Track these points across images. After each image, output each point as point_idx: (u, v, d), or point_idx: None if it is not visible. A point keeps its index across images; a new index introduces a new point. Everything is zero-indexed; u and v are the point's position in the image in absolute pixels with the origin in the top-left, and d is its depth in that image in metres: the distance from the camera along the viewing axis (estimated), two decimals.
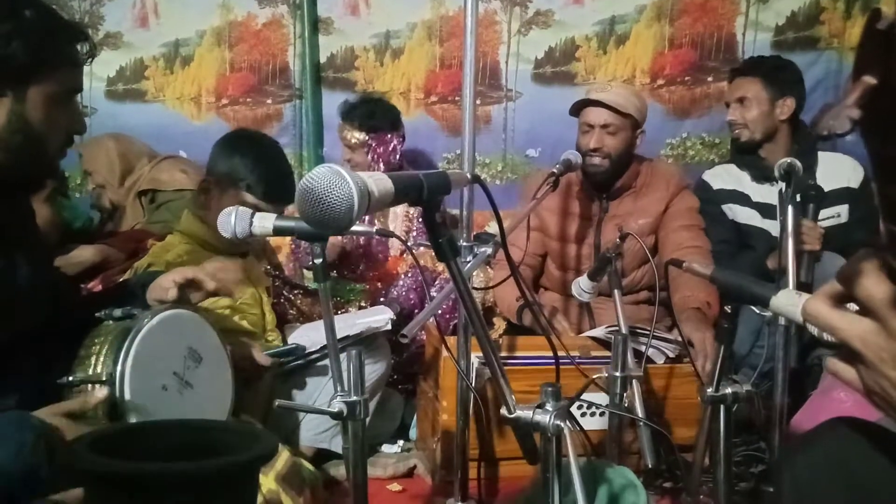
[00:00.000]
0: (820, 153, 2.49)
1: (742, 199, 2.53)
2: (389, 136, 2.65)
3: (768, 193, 2.44)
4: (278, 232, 1.43)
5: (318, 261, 1.42)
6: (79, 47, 1.24)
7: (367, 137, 2.63)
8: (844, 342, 0.71)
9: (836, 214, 2.44)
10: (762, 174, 2.46)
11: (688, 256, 1.98)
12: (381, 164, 2.64)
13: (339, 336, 1.66)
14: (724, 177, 2.57)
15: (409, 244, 2.55)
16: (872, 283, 0.68)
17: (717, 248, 2.40)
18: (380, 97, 2.92)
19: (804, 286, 1.93)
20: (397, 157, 2.68)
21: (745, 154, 2.52)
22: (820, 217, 2.29)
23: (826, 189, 2.40)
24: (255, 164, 1.86)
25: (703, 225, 2.45)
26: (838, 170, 2.46)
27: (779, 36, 3.01)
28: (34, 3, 1.18)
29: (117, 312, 1.28)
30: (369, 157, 2.64)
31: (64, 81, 1.22)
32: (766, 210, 2.46)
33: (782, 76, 2.47)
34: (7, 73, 1.14)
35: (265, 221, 1.43)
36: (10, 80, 1.15)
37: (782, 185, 1.87)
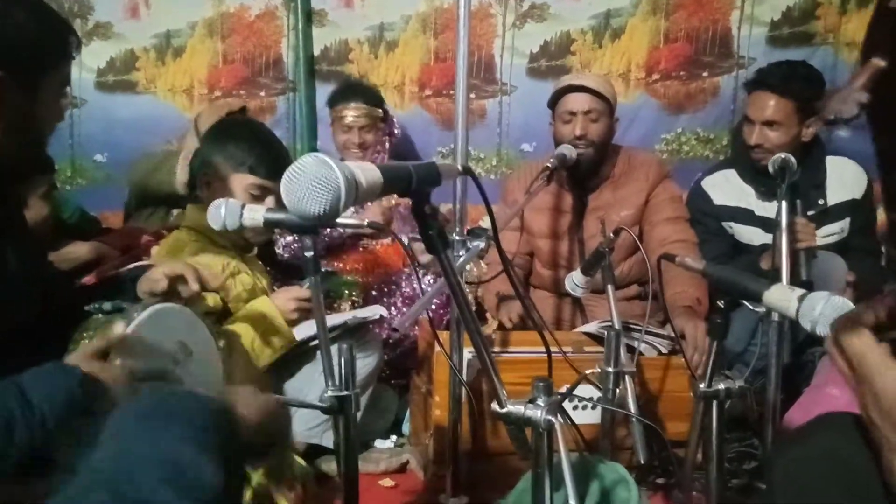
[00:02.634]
0: (827, 158, 2.37)
1: (745, 216, 2.43)
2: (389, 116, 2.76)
3: (772, 208, 2.29)
4: (268, 224, 1.42)
5: (309, 254, 1.41)
6: (71, 40, 1.25)
7: (380, 113, 2.69)
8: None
9: (839, 231, 2.36)
10: (772, 191, 2.25)
11: (675, 251, 1.97)
12: (387, 144, 2.71)
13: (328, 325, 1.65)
14: (725, 188, 2.46)
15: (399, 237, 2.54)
16: (861, 344, 0.71)
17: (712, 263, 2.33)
18: (366, 83, 2.99)
19: (805, 284, 1.91)
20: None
21: (760, 174, 2.32)
22: (824, 234, 2.25)
23: (832, 202, 2.34)
24: (251, 146, 1.84)
25: (687, 216, 2.41)
26: (844, 180, 2.36)
27: (774, 31, 3.01)
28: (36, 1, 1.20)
29: (107, 306, 1.27)
30: (382, 134, 2.69)
31: (65, 74, 1.24)
32: (768, 224, 2.34)
33: (811, 94, 2.27)
34: (23, 61, 1.13)
35: (255, 213, 1.42)
36: (25, 69, 1.14)
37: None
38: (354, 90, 2.73)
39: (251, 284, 1.86)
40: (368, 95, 2.71)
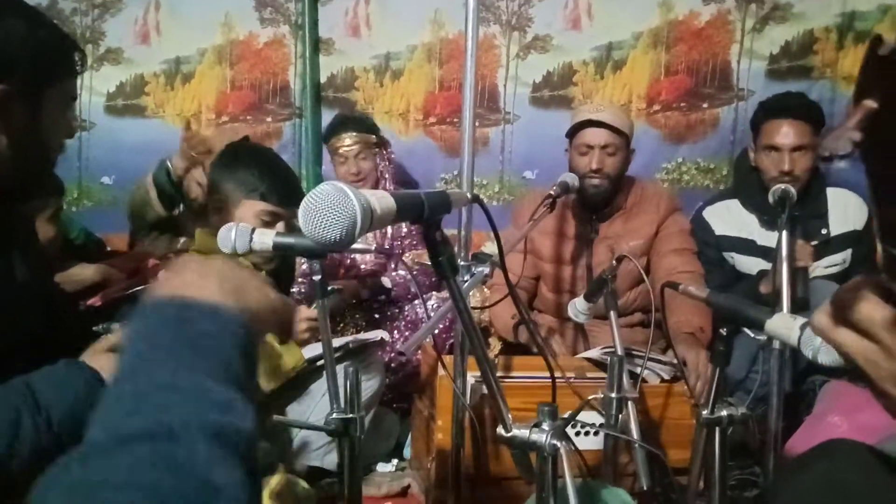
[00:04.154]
0: (828, 189, 2.41)
1: (747, 246, 2.44)
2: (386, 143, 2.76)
3: (774, 237, 2.22)
4: (277, 248, 1.44)
5: (317, 277, 1.43)
6: (76, 56, 1.26)
7: (374, 139, 2.70)
8: (849, 359, 0.73)
9: (842, 261, 2.39)
10: (776, 220, 2.16)
11: (682, 281, 1.98)
12: (389, 169, 2.71)
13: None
14: (727, 218, 2.48)
15: (405, 260, 2.56)
16: (871, 308, 0.70)
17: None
18: (359, 113, 2.99)
19: (802, 301, 1.94)
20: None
21: (766, 204, 2.21)
22: (826, 264, 2.27)
23: (834, 233, 2.37)
24: (263, 173, 1.86)
25: (695, 249, 2.43)
26: (846, 212, 2.40)
27: (773, 64, 3.06)
28: (41, 14, 1.21)
29: (115, 326, 1.28)
30: (378, 161, 2.69)
31: (70, 89, 1.25)
32: (769, 255, 2.34)
33: (819, 119, 2.31)
34: (25, 74, 1.15)
35: (265, 237, 1.43)
36: (28, 82, 1.16)
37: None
38: (346, 121, 2.74)
39: None
40: (360, 124, 2.72)
